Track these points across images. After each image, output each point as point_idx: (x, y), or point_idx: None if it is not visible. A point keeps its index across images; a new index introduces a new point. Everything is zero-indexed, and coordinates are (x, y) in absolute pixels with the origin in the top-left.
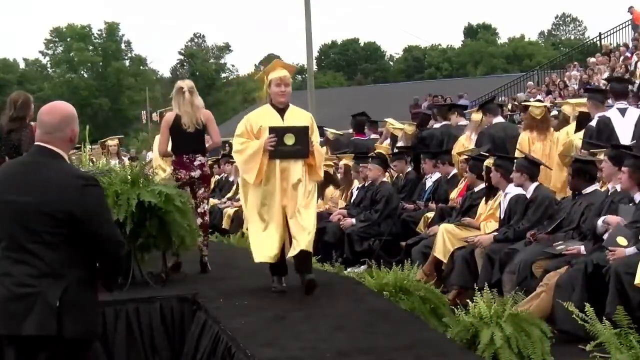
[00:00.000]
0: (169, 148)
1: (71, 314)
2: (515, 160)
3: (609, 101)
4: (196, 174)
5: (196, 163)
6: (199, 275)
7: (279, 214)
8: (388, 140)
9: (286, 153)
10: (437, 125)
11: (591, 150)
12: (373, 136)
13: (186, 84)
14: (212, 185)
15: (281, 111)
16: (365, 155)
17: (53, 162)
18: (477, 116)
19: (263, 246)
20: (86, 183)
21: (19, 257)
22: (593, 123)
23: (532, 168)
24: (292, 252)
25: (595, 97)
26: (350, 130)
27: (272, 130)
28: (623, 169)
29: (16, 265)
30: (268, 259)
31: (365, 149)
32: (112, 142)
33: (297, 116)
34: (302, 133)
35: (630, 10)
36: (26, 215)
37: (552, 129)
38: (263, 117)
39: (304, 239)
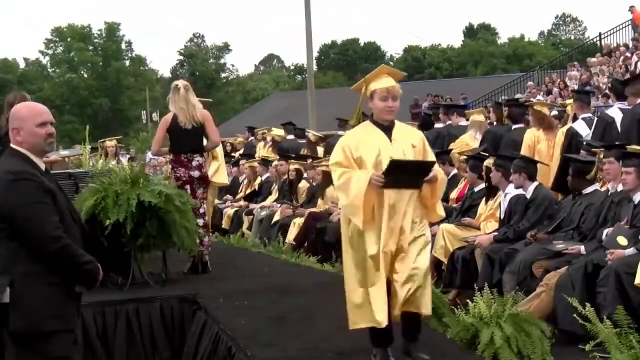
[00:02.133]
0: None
1: (16, 309)
2: (512, 162)
3: (610, 101)
4: (195, 173)
5: (194, 163)
6: (199, 275)
7: (384, 263)
8: None
9: (400, 182)
10: (438, 125)
11: (592, 150)
12: None
13: (181, 82)
14: None
15: (387, 130)
16: None
17: (2, 160)
18: (478, 117)
19: (366, 306)
20: (15, 178)
21: None
22: (576, 124)
23: (529, 167)
24: (397, 311)
25: (581, 98)
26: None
27: (391, 167)
28: (627, 169)
29: None
30: (374, 323)
31: None
32: (110, 142)
33: (406, 136)
34: (427, 168)
35: (631, 9)
36: None
37: (555, 131)
38: (365, 137)
39: (416, 297)
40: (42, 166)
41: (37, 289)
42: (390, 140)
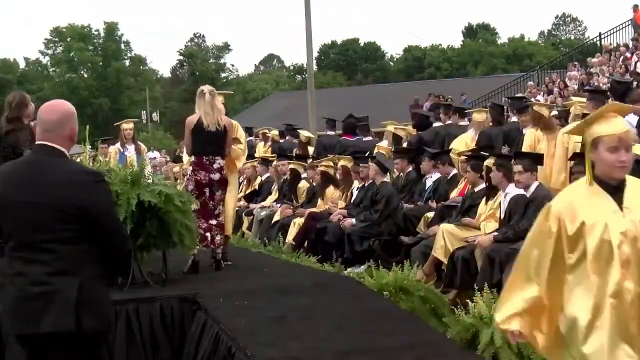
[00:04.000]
0: None
1: (88, 309)
2: (515, 164)
3: (609, 101)
4: (215, 176)
5: (215, 166)
6: (199, 275)
7: None
8: (386, 142)
9: None
10: (437, 124)
11: None
12: (365, 139)
13: (206, 87)
14: None
15: (615, 192)
16: (364, 155)
17: (58, 160)
18: (479, 116)
19: None
20: (97, 179)
21: (32, 256)
22: None
23: (533, 162)
24: None
25: (595, 97)
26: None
27: None
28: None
29: (29, 264)
30: None
31: (358, 149)
32: (128, 125)
33: None
34: None
35: (634, 8)
36: (39, 214)
37: (556, 131)
38: (586, 204)
39: None
40: None
41: (102, 289)
42: (622, 209)
